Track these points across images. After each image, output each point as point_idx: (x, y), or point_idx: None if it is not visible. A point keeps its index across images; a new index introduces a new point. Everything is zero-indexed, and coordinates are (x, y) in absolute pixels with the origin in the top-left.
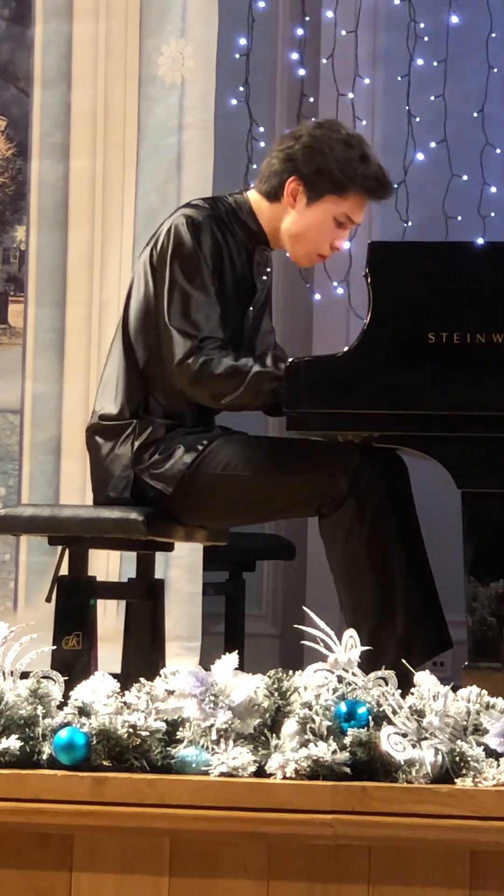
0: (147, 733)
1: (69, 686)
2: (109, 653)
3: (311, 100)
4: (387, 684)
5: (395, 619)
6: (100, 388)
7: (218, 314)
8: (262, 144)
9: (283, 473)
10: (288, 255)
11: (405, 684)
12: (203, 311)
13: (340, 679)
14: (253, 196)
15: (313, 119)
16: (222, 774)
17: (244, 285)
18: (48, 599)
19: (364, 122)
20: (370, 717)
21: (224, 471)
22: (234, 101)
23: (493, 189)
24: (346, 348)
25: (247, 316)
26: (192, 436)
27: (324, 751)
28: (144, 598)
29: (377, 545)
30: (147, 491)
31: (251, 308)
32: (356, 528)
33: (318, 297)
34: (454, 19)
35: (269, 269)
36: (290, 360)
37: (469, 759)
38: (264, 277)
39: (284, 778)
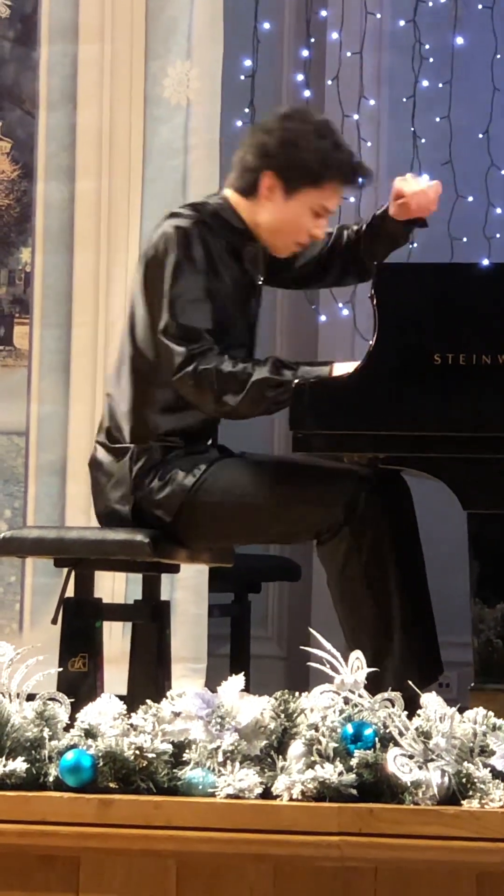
0: (153, 755)
1: (75, 708)
2: (115, 674)
3: None
4: (393, 706)
5: (394, 647)
6: (105, 408)
7: (211, 319)
8: None
9: (281, 502)
10: (266, 247)
11: (410, 705)
12: (196, 319)
13: (347, 701)
14: (230, 194)
15: (282, 109)
16: (229, 796)
17: (242, 285)
18: (54, 621)
19: (369, 144)
20: (377, 739)
21: (222, 498)
22: (239, 123)
23: (499, 210)
24: (354, 367)
25: (251, 313)
26: (189, 458)
27: (330, 772)
28: (150, 620)
29: (375, 576)
30: (148, 518)
31: (255, 302)
32: (353, 559)
33: (323, 318)
34: (459, 40)
35: (259, 263)
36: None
37: (476, 780)
38: (259, 274)
39: (291, 800)
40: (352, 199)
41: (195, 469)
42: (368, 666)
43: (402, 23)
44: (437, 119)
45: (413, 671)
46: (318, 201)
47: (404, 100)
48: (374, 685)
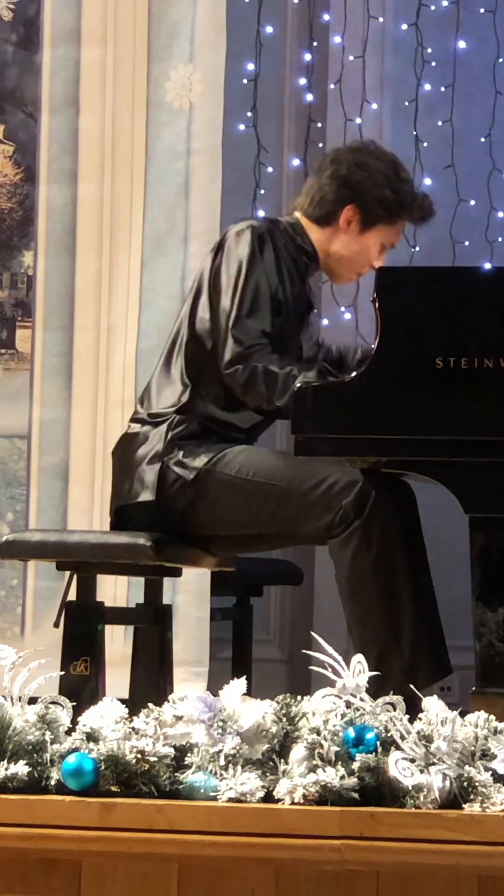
0: (155, 759)
1: (77, 711)
2: (117, 678)
3: (319, 125)
4: (395, 709)
5: (401, 644)
6: (151, 383)
7: (270, 321)
8: (270, 169)
9: (295, 484)
10: (327, 275)
11: (411, 709)
12: (257, 318)
13: (348, 704)
14: (301, 218)
15: (353, 142)
16: (230, 800)
17: (302, 304)
18: (56, 625)
19: None
20: (378, 743)
21: (238, 474)
22: (241, 127)
23: (501, 214)
24: (353, 373)
25: (306, 328)
26: (219, 442)
27: (332, 776)
28: (152, 624)
29: (384, 571)
30: (169, 484)
31: (307, 321)
32: (362, 553)
33: (325, 322)
34: (461, 44)
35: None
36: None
37: (477, 784)
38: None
39: (292, 803)
40: None
41: (222, 445)
42: (374, 662)
43: (404, 27)
44: (440, 123)
45: (422, 666)
46: (388, 237)
47: (406, 104)
48: (379, 683)
